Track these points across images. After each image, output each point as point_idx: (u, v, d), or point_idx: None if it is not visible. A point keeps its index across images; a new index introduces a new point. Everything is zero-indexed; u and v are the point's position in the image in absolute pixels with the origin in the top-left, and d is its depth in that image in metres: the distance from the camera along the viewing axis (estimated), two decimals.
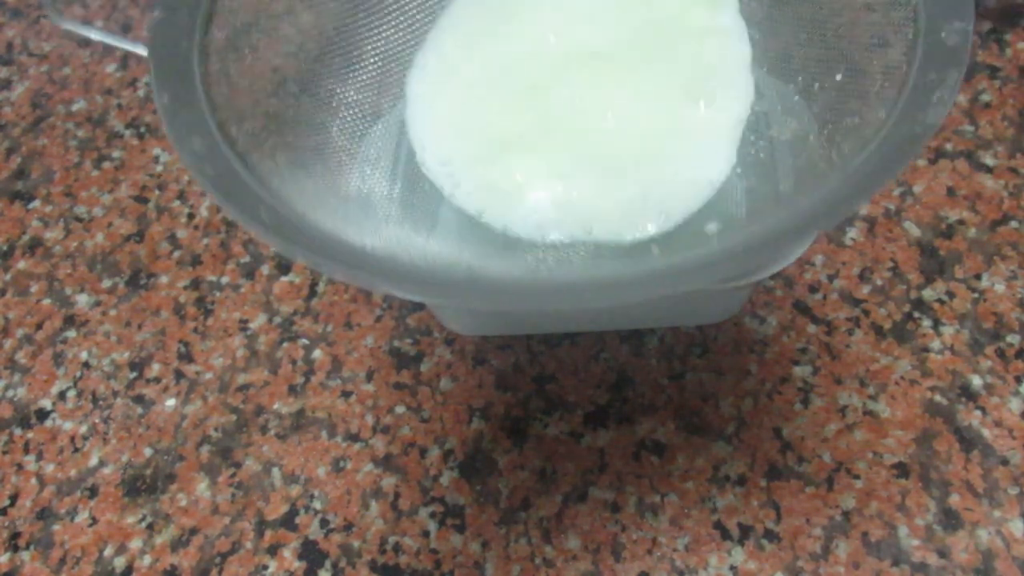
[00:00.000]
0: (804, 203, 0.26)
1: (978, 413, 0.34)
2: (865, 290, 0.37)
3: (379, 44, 0.34)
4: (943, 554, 0.31)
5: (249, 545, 0.34)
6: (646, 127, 0.31)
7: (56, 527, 0.36)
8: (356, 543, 0.34)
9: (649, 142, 0.31)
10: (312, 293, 0.41)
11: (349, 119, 0.33)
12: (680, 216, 0.30)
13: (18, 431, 0.39)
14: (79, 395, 0.39)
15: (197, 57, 0.28)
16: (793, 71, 0.32)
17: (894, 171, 0.25)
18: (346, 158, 0.32)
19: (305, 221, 0.26)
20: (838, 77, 0.30)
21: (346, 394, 0.38)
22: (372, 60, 0.34)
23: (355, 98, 0.33)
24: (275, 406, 0.38)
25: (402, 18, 0.34)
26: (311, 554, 0.34)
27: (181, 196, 0.45)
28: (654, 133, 0.31)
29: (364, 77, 0.34)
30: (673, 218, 0.30)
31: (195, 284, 0.42)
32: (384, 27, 0.34)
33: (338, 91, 0.33)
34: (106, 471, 0.37)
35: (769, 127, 0.32)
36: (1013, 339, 0.35)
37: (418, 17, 0.34)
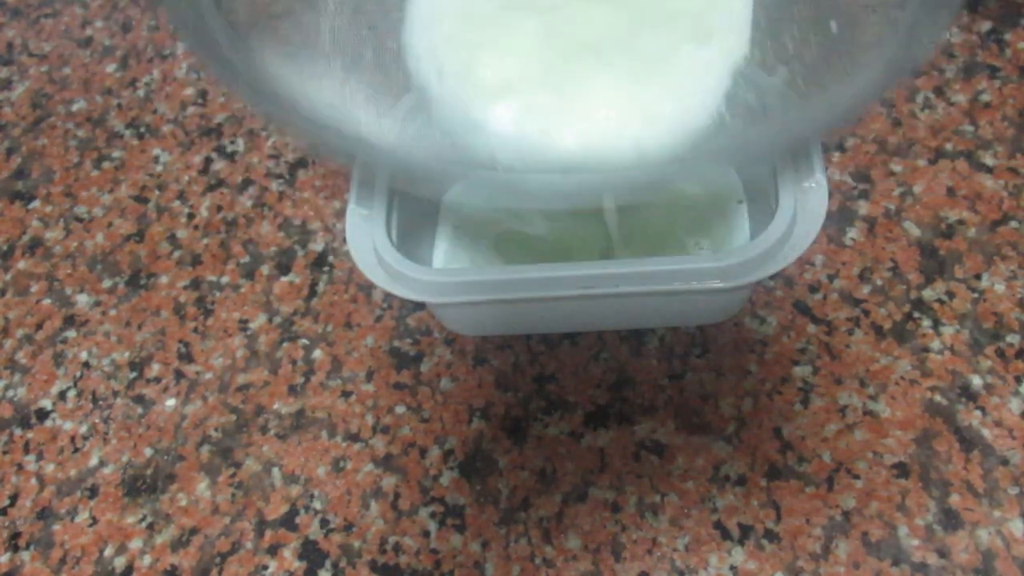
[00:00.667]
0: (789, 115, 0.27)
1: (978, 413, 0.34)
2: (865, 290, 0.37)
3: None
4: (943, 554, 0.31)
5: (249, 545, 0.34)
6: (637, 58, 0.31)
7: (56, 527, 0.36)
8: (356, 543, 0.34)
9: (637, 73, 0.31)
10: (312, 293, 0.41)
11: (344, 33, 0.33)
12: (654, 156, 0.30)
13: (18, 431, 0.39)
14: (79, 395, 0.39)
15: None
16: (788, 23, 0.32)
17: (875, 95, 0.26)
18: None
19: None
20: (833, 27, 0.30)
21: (346, 394, 0.38)
22: None
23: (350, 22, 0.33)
24: (275, 406, 0.38)
25: None
26: (311, 554, 0.34)
27: (181, 196, 0.45)
28: (643, 66, 0.31)
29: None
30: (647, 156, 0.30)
31: (195, 284, 0.42)
32: None
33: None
34: (106, 471, 0.37)
35: (759, 75, 0.32)
36: (1013, 339, 0.35)
37: None
